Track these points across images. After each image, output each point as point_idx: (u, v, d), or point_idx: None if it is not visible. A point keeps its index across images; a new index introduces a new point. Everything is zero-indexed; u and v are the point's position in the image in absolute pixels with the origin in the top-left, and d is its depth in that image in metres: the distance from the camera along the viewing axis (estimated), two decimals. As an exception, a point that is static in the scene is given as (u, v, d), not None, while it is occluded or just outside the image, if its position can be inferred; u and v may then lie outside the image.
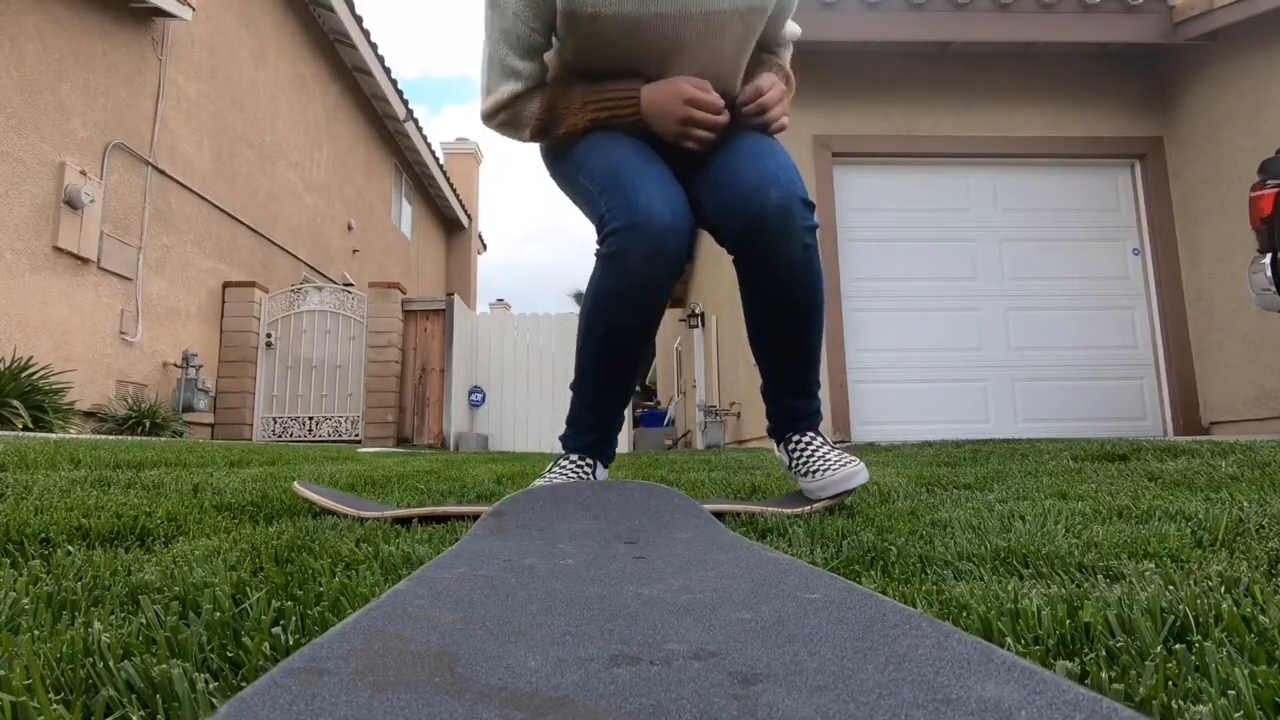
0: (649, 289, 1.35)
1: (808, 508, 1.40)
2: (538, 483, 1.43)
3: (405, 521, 1.25)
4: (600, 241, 1.37)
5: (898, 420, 5.56)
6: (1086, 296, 5.85)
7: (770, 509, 1.35)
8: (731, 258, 1.45)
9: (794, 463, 1.50)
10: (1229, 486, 1.52)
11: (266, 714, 0.31)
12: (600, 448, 1.53)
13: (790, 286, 1.40)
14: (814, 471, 1.43)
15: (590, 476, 1.50)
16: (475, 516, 1.27)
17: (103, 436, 4.55)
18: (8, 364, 4.67)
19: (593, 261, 1.39)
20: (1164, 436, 5.27)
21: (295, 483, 1.33)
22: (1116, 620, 0.57)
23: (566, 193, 1.59)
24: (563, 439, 1.55)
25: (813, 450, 1.48)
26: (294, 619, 0.62)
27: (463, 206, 15.62)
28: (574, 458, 1.51)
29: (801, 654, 0.41)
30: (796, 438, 1.51)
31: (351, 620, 0.45)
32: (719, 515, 1.27)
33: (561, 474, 1.48)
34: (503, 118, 1.48)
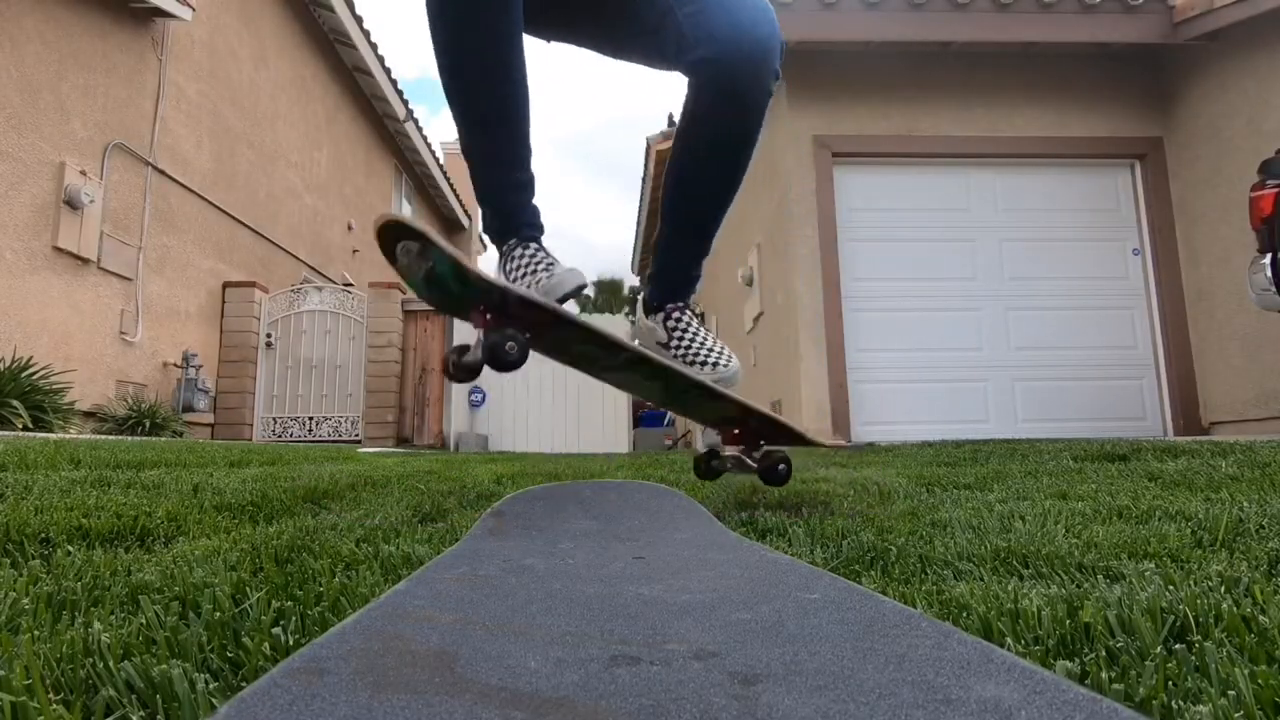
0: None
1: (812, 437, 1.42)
2: (493, 270, 1.32)
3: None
4: None
5: (898, 420, 5.56)
6: (1086, 296, 5.85)
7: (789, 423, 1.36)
8: (687, 79, 1.35)
9: (673, 342, 1.47)
10: (1229, 487, 1.52)
11: (266, 714, 0.31)
12: (523, 218, 1.39)
13: (739, 124, 1.35)
14: (705, 364, 1.43)
15: (551, 263, 1.35)
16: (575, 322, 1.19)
17: (103, 436, 4.55)
18: (8, 364, 4.67)
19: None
20: (1164, 437, 5.27)
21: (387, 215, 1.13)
22: (1116, 620, 0.57)
23: None
24: (485, 229, 1.42)
25: (694, 336, 1.47)
26: (294, 619, 0.62)
27: (463, 206, 15.62)
28: (517, 253, 1.36)
29: (801, 654, 0.41)
30: (678, 315, 1.50)
31: (351, 620, 0.45)
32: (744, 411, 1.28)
33: (520, 268, 1.33)
34: None
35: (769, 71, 1.30)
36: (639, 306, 1.60)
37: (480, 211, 1.40)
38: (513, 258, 1.36)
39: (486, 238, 1.41)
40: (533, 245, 1.37)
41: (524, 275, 1.33)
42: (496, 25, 1.27)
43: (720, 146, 1.40)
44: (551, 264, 1.34)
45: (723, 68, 1.30)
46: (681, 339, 1.47)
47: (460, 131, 1.37)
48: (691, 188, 1.47)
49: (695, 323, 1.50)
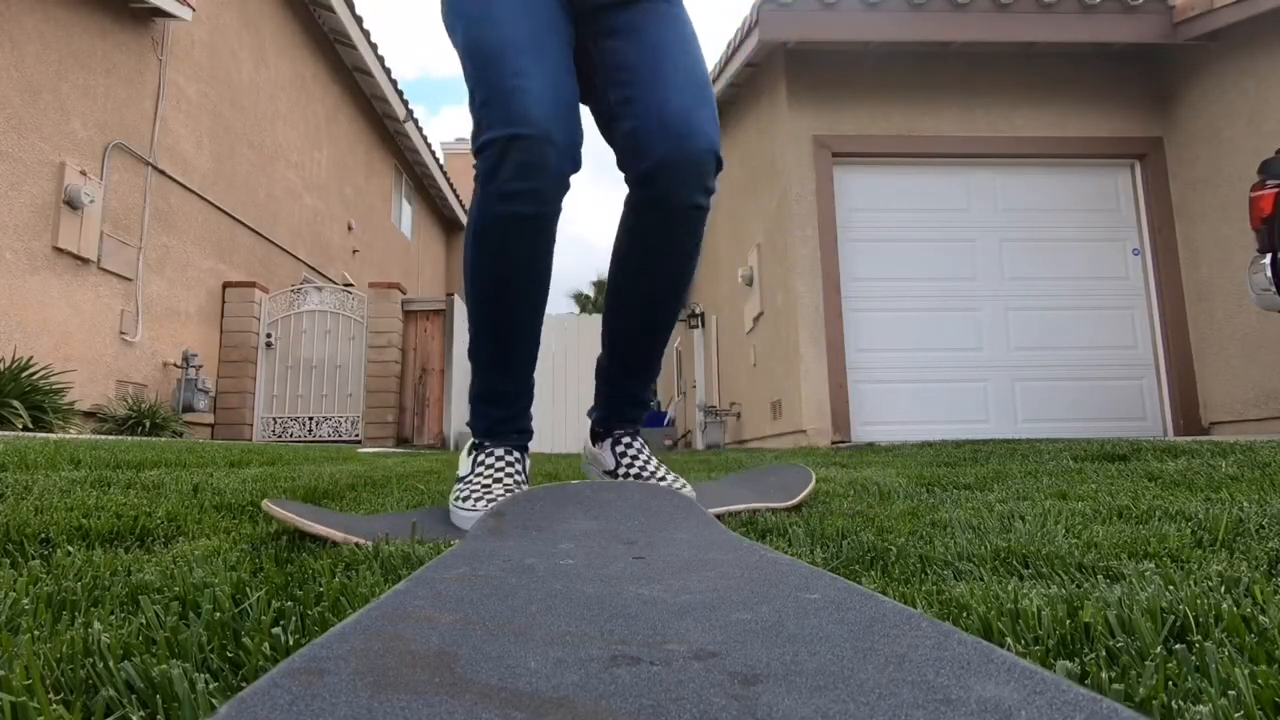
0: (535, 214, 1.21)
1: (796, 499, 1.41)
2: (455, 500, 1.25)
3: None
4: (476, 151, 1.22)
5: (898, 420, 5.56)
6: (1086, 296, 5.85)
7: (764, 505, 1.35)
8: (627, 189, 1.32)
9: (620, 470, 1.40)
10: (1229, 487, 1.52)
11: (266, 714, 0.31)
12: (517, 423, 1.35)
13: (679, 239, 1.31)
14: None
15: (521, 479, 1.30)
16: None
17: (102, 437, 4.55)
18: (8, 364, 4.67)
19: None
20: (1164, 437, 5.27)
21: (265, 501, 1.10)
22: (1116, 620, 0.57)
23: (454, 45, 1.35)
24: (473, 423, 1.35)
25: (644, 463, 1.39)
26: (294, 619, 0.62)
27: (463, 206, 15.62)
28: (498, 454, 1.30)
29: (801, 654, 0.41)
30: (628, 440, 1.43)
31: (351, 620, 0.45)
32: (718, 515, 1.27)
33: (483, 483, 1.25)
34: None
35: (703, 185, 1.26)
36: (586, 437, 1.52)
37: (472, 415, 1.36)
38: (493, 450, 1.32)
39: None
40: (515, 454, 1.33)
41: (488, 484, 1.26)
42: (551, 228, 1.27)
43: (665, 265, 1.35)
44: (520, 484, 1.30)
45: (645, 191, 1.27)
46: (630, 466, 1.39)
47: (482, 339, 1.31)
48: (632, 315, 1.41)
49: (645, 450, 1.42)
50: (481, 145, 1.20)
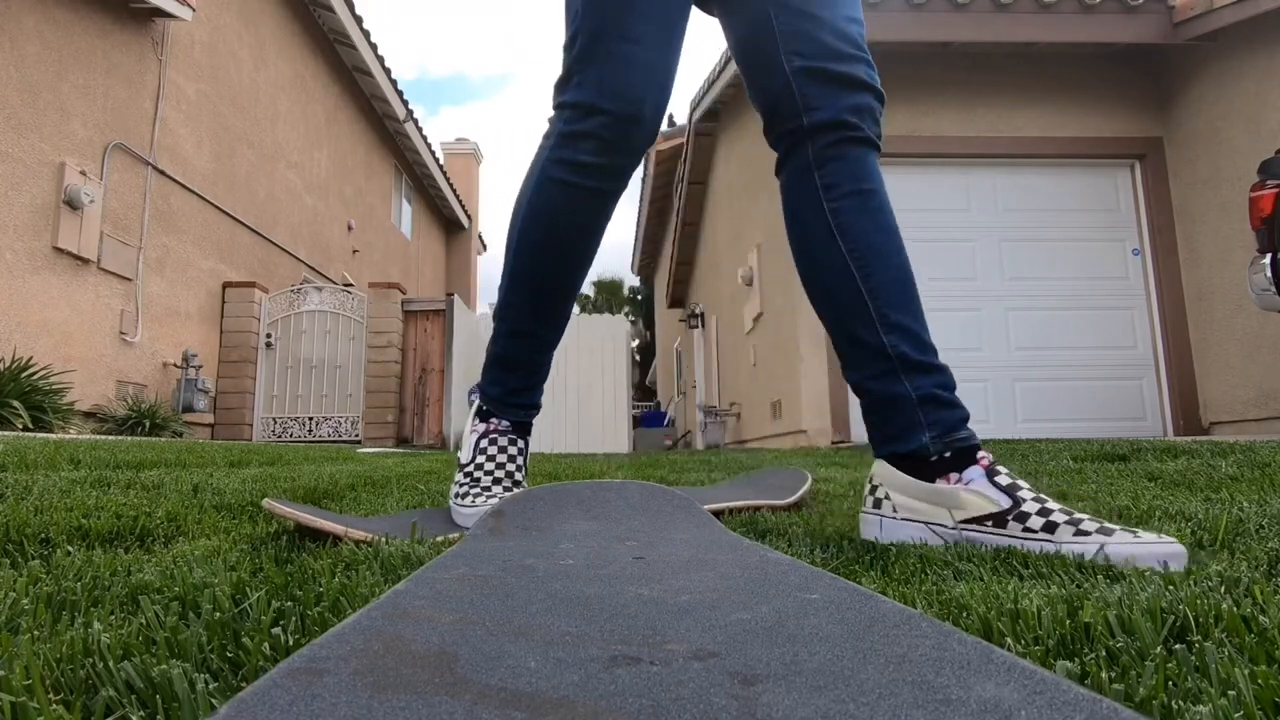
0: (604, 190, 1.15)
1: (794, 497, 1.41)
2: (455, 498, 1.22)
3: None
4: (557, 105, 1.14)
5: (898, 420, 5.56)
6: (1086, 296, 5.85)
7: (762, 503, 1.35)
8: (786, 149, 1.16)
9: (1027, 509, 0.92)
10: (1229, 487, 1.52)
11: (266, 714, 0.31)
12: (531, 395, 1.27)
13: (874, 180, 1.12)
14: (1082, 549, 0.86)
15: (522, 476, 1.26)
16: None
17: (102, 437, 4.55)
18: (8, 364, 4.67)
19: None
20: (1164, 437, 5.27)
21: (266, 499, 1.11)
22: (1116, 620, 0.57)
23: None
24: (485, 387, 1.27)
25: (1045, 504, 0.92)
26: (294, 619, 0.62)
27: (462, 206, 15.62)
28: (501, 444, 1.25)
29: (801, 654, 0.41)
30: (1000, 466, 1.00)
31: (351, 620, 0.45)
32: (716, 514, 1.27)
33: (484, 483, 1.22)
34: None
35: (874, 124, 1.14)
36: (878, 489, 1.07)
37: (486, 377, 1.29)
38: (497, 437, 1.25)
39: (489, 311, 1.33)
40: (521, 442, 1.28)
41: (488, 484, 1.22)
42: (604, 213, 1.19)
43: (876, 212, 1.14)
44: (520, 482, 1.25)
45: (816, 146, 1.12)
46: (1041, 505, 0.94)
47: (517, 298, 1.23)
48: (886, 262, 1.11)
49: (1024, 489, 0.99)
50: (565, 103, 1.12)
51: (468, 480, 1.25)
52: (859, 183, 1.10)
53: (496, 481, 1.24)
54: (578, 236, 1.19)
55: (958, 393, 1.05)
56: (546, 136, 1.17)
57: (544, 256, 1.20)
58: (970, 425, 1.04)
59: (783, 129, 1.14)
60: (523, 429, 1.30)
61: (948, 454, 1.00)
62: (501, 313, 1.25)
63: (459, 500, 1.23)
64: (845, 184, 1.11)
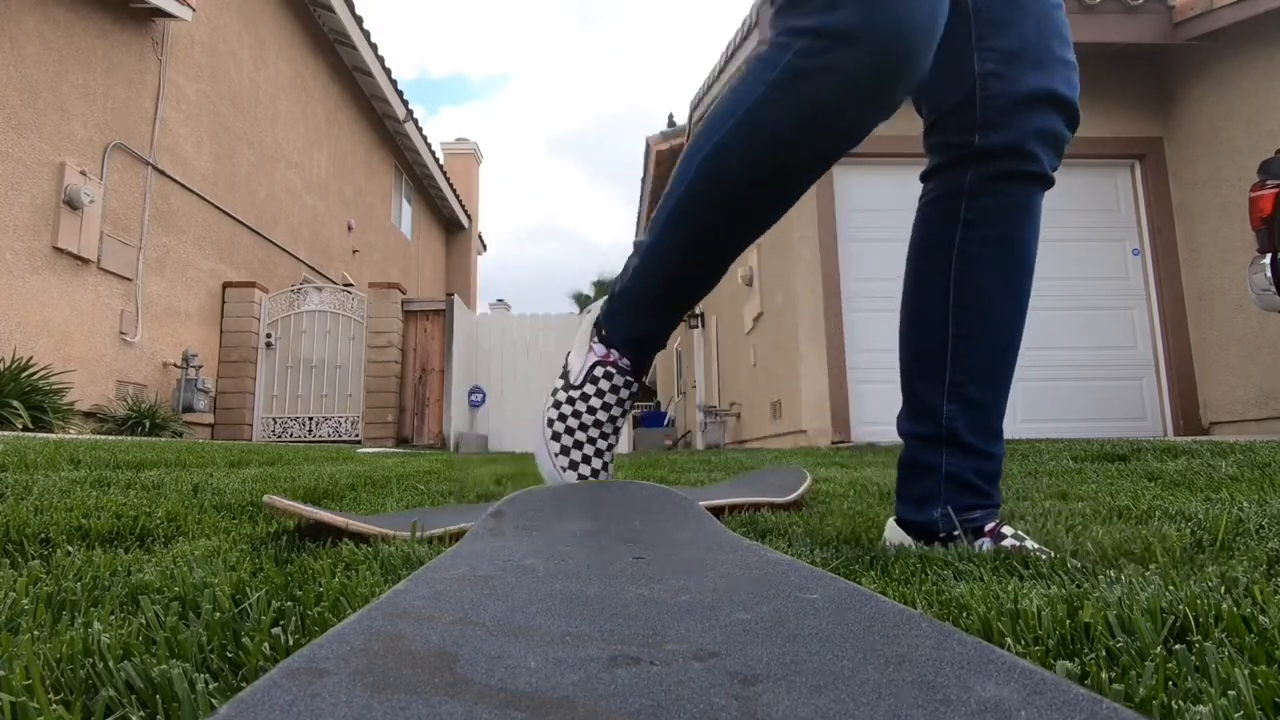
0: (847, 135, 0.88)
1: (794, 495, 1.41)
2: (558, 447, 1.13)
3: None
4: (809, 30, 0.83)
5: (898, 420, 5.56)
6: (1086, 296, 5.85)
7: (762, 500, 1.36)
8: (936, 158, 1.03)
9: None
10: (1229, 487, 1.52)
11: (266, 714, 0.31)
12: (660, 343, 1.12)
13: (1027, 230, 0.99)
14: None
15: (626, 413, 1.15)
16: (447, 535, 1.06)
17: (102, 437, 4.55)
18: (8, 364, 4.67)
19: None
20: (1164, 437, 5.27)
21: (266, 496, 1.11)
22: (1116, 620, 0.57)
23: None
24: (623, 322, 1.10)
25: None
26: (294, 619, 0.62)
27: (463, 206, 15.62)
28: (618, 384, 1.10)
29: (801, 654, 0.41)
30: (1008, 528, 0.97)
31: (351, 620, 0.45)
32: (717, 511, 1.27)
33: (590, 434, 1.11)
34: None
35: (1055, 161, 1.01)
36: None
37: (620, 309, 1.11)
38: (614, 373, 1.10)
39: (593, 320, 1.13)
40: (635, 387, 1.12)
41: (593, 430, 1.11)
42: (829, 163, 0.93)
43: (1014, 262, 1.02)
44: (618, 430, 1.15)
45: (988, 161, 0.98)
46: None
47: (697, 232, 0.99)
48: (991, 328, 1.02)
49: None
50: (823, 28, 0.82)
51: (572, 417, 1.13)
52: (1008, 228, 0.98)
53: (598, 426, 1.12)
54: (794, 184, 0.94)
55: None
56: (755, 79, 0.89)
57: (750, 191, 0.94)
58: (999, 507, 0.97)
59: (949, 139, 0.99)
60: (639, 373, 1.13)
61: (955, 532, 0.96)
62: (661, 251, 1.03)
63: (562, 457, 1.12)
64: (992, 227, 0.98)
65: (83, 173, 5.55)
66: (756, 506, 1.35)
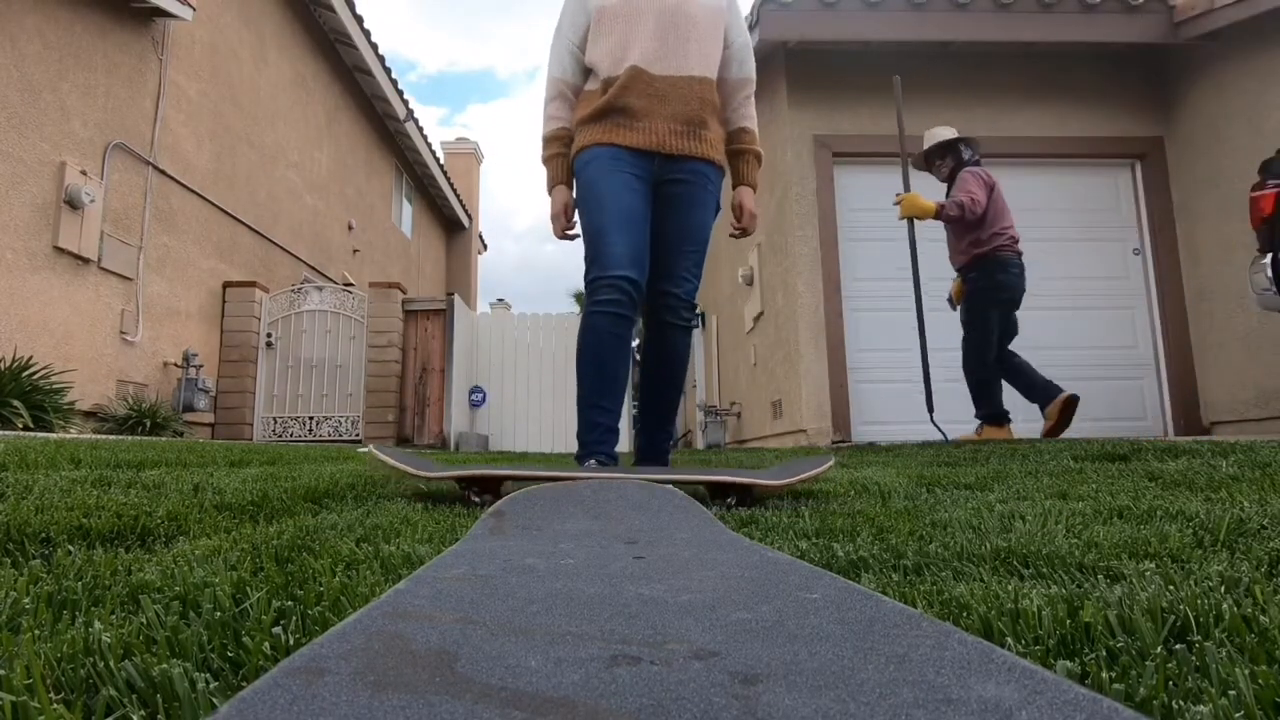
0: (620, 317, 2.09)
1: (785, 481, 1.41)
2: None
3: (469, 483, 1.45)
4: (588, 283, 2.11)
5: (898, 420, 5.56)
6: (1086, 296, 5.85)
7: (745, 480, 1.36)
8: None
9: None
10: (1229, 487, 1.52)
11: (266, 714, 0.31)
12: (612, 442, 2.08)
13: (670, 347, 2.27)
14: None
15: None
16: (535, 479, 1.40)
17: (103, 436, 4.55)
18: (8, 364, 4.67)
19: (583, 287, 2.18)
20: (1164, 436, 5.27)
21: (370, 448, 1.61)
22: (1117, 620, 0.57)
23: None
24: (581, 454, 2.05)
25: None
26: (294, 619, 0.62)
27: (463, 206, 15.62)
28: (589, 465, 1.94)
29: (802, 654, 0.41)
30: None
31: (351, 620, 0.45)
32: (707, 492, 1.27)
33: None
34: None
35: (679, 321, 2.26)
36: None
37: (582, 443, 2.13)
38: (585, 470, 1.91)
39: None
40: (594, 462, 2.02)
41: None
42: (626, 334, 2.11)
43: (665, 359, 2.31)
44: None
45: (649, 313, 2.29)
46: None
47: (586, 390, 2.10)
48: (656, 389, 2.37)
49: None
50: (591, 279, 2.10)
51: None
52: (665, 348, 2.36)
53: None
54: (614, 346, 2.10)
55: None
56: (585, 299, 2.14)
57: (597, 361, 2.11)
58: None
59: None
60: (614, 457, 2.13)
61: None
62: (583, 401, 2.12)
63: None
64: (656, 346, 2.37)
65: (83, 172, 5.55)
66: (746, 486, 1.36)
